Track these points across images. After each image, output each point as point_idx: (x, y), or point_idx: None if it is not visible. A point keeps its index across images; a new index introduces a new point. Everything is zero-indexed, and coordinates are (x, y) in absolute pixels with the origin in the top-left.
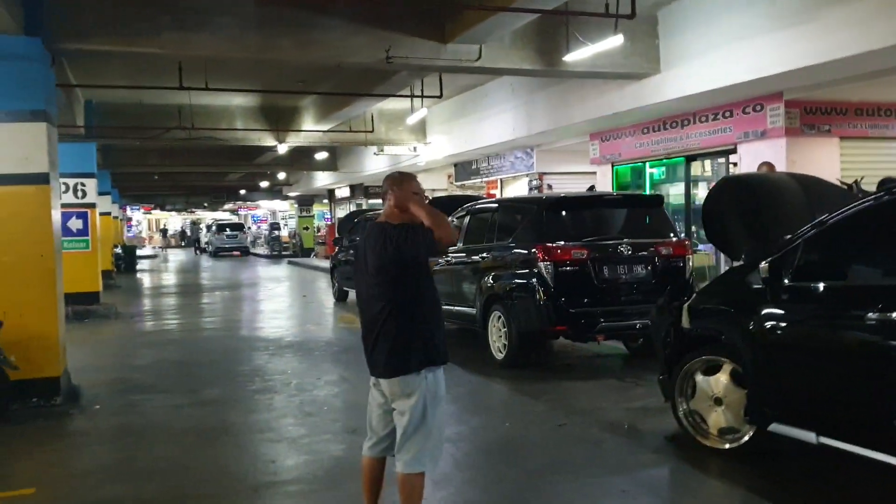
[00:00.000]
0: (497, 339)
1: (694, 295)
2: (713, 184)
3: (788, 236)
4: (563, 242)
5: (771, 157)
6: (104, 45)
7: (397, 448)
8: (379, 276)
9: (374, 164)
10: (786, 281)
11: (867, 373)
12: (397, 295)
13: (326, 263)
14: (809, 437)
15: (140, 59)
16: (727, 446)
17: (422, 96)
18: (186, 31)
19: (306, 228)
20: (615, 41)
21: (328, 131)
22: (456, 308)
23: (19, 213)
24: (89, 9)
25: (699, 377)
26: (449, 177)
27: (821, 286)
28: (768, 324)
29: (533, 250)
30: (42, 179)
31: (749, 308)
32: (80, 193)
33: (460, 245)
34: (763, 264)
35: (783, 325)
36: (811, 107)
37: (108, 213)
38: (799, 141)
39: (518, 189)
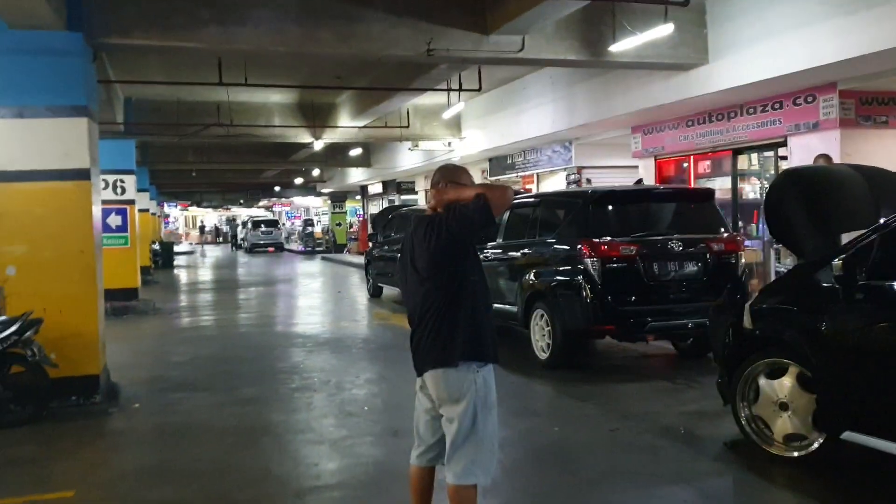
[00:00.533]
0: (540, 338)
1: (756, 294)
2: (761, 179)
3: (863, 231)
4: (609, 238)
5: (824, 150)
6: (145, 39)
7: (447, 458)
8: (428, 267)
9: (408, 160)
10: (861, 279)
11: None
12: (445, 285)
13: (360, 259)
14: (890, 447)
15: (179, 55)
16: (794, 454)
17: (459, 90)
18: (226, 24)
19: (339, 224)
20: (665, 30)
21: (364, 127)
22: (495, 305)
23: (60, 209)
24: (130, 4)
25: (762, 381)
26: (483, 172)
27: None
28: (841, 325)
29: (578, 246)
30: (83, 175)
31: (819, 308)
32: (119, 190)
33: (500, 241)
34: (836, 262)
35: (859, 326)
36: (868, 97)
37: (147, 210)
38: (854, 133)
39: (554, 184)
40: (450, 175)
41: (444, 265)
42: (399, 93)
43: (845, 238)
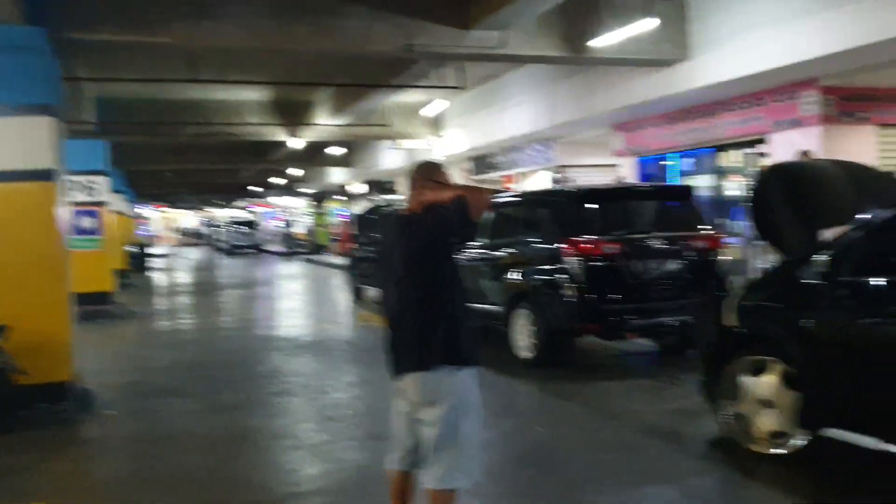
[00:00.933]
0: (523, 337)
1: (740, 291)
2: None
3: (846, 227)
4: (592, 236)
5: (805, 146)
6: (113, 34)
7: (427, 462)
8: (405, 267)
9: (389, 160)
10: (845, 276)
11: None
12: (422, 286)
13: (341, 261)
14: (871, 442)
15: (151, 52)
16: (777, 451)
17: (442, 87)
18: (198, 19)
19: (321, 225)
20: (648, 24)
21: (343, 125)
22: (478, 305)
23: (23, 211)
24: None
25: (745, 378)
26: (465, 170)
27: (884, 281)
28: (826, 322)
29: (561, 245)
30: (46, 176)
31: (803, 305)
32: (90, 191)
33: (482, 240)
34: (820, 258)
35: (843, 322)
36: (848, 93)
37: (121, 212)
38: (834, 129)
39: (536, 182)
40: (428, 173)
41: (423, 265)
42: (378, 90)
43: (827, 234)
